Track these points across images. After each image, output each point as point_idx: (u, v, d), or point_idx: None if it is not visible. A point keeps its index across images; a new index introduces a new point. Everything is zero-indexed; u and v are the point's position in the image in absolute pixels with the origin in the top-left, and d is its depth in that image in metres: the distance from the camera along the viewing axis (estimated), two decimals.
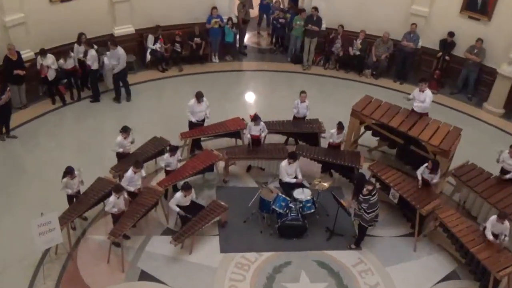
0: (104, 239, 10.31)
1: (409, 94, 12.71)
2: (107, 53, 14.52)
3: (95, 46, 14.41)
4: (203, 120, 12.42)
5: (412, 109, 12.32)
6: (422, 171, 10.99)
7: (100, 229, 10.80)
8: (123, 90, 14.47)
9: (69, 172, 10.21)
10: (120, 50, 13.94)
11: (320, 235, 10.88)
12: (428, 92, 12.37)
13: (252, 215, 11.06)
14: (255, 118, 11.75)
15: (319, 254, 10.50)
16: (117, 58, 14.06)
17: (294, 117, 12.73)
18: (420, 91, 12.33)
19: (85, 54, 13.96)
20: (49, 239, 9.50)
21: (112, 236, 9.84)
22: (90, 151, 12.80)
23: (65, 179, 10.20)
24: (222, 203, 10.79)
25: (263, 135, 11.96)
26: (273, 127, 12.55)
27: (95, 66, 13.96)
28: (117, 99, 14.56)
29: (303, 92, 12.53)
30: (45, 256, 10.09)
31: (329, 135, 11.92)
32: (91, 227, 10.87)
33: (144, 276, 9.98)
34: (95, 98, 14.37)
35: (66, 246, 10.22)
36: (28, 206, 10.98)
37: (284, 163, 10.99)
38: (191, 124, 12.44)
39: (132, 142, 11.38)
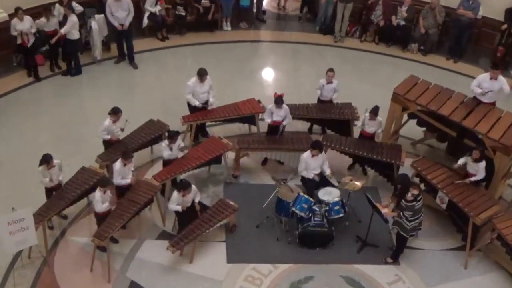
0: (87, 242, 10.36)
1: (477, 83, 12.07)
2: (95, 16, 14.62)
3: (80, 8, 14.48)
4: (205, 103, 12.45)
5: (474, 97, 12.14)
6: (463, 161, 10.97)
7: (82, 229, 10.85)
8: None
9: (46, 160, 10.23)
10: None
11: (350, 246, 10.87)
12: (501, 79, 12.06)
13: (267, 219, 11.08)
14: (279, 100, 11.72)
15: (347, 268, 10.51)
16: (125, 8, 14.17)
17: (319, 100, 12.74)
18: (491, 79, 12.04)
19: (64, 19, 13.95)
20: (22, 239, 9.54)
21: (97, 239, 9.82)
22: (72, 136, 12.88)
23: (40, 168, 10.23)
24: (231, 202, 10.79)
25: (285, 122, 11.99)
26: (296, 111, 12.54)
27: (73, 35, 13.95)
28: (119, 59, 14.84)
29: (330, 70, 12.43)
30: (16, 260, 10.17)
31: (361, 122, 11.88)
32: (72, 227, 10.94)
33: None
34: (77, 70, 14.44)
35: (42, 249, 10.27)
36: None
37: (306, 154, 10.96)
38: (192, 108, 12.45)
39: (122, 129, 11.33)
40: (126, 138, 11.67)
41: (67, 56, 14.49)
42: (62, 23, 13.98)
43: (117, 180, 10.54)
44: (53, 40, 14.03)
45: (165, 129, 12.01)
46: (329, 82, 12.62)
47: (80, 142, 12.61)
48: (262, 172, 12.39)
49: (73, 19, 13.82)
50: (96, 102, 13.87)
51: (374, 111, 11.66)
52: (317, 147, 10.88)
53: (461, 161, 11.11)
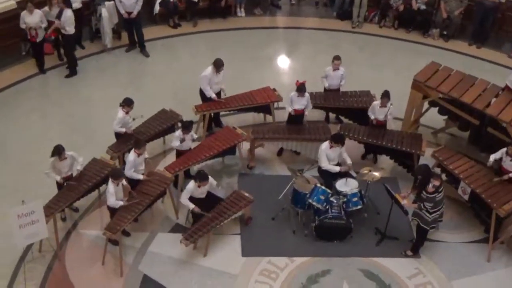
0: (99, 235, 10.43)
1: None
2: (105, 3, 14.66)
3: (78, 5, 14.24)
4: (218, 94, 12.45)
5: (507, 86, 12.01)
6: (496, 156, 10.88)
7: (94, 223, 10.91)
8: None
9: (58, 151, 10.20)
10: None
11: (368, 238, 10.88)
12: None
13: (283, 211, 11.09)
14: (301, 88, 11.69)
15: (366, 261, 10.53)
16: None
17: (325, 90, 12.74)
18: None
19: (59, 13, 13.69)
20: (32, 233, 9.58)
21: (109, 232, 9.89)
22: (82, 126, 12.96)
23: (52, 160, 10.23)
24: (246, 194, 10.81)
25: (307, 111, 11.99)
26: (312, 100, 12.38)
27: (70, 30, 13.81)
28: (130, 47, 14.93)
29: (336, 58, 12.39)
30: (27, 254, 10.18)
31: (371, 110, 11.86)
32: (83, 220, 11.01)
33: (147, 282, 10.07)
34: (71, 71, 14.32)
35: (52, 243, 10.35)
36: (6, 192, 11.15)
37: (325, 145, 10.95)
38: (205, 98, 12.42)
39: (133, 119, 11.35)
40: (137, 129, 11.71)
41: (68, 52, 14.36)
42: (58, 17, 13.78)
43: (129, 172, 10.54)
44: (48, 33, 13.93)
45: (178, 119, 12.05)
46: (336, 69, 12.58)
47: (90, 133, 12.68)
48: (277, 162, 12.39)
49: (67, 13, 13.60)
50: (106, 91, 13.90)
51: (385, 95, 11.59)
52: (338, 140, 10.84)
53: (494, 157, 10.96)
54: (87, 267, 10.21)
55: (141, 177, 10.67)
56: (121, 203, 10.06)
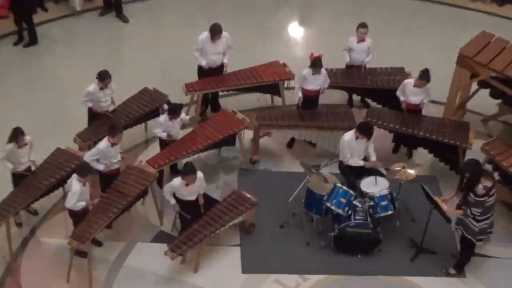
0: (64, 245, 10.37)
1: None
2: None
3: None
4: (219, 68, 12.42)
5: None
6: None
7: (57, 229, 10.90)
8: None
9: (16, 135, 10.19)
10: None
11: (401, 252, 10.85)
12: None
13: (294, 217, 11.07)
14: (317, 63, 11.65)
15: (397, 281, 10.51)
16: None
17: (347, 66, 12.84)
18: None
19: None
20: None
21: (76, 241, 9.82)
22: (48, 109, 12.90)
23: (9, 146, 10.25)
24: (248, 195, 10.78)
25: (323, 89, 12.03)
26: (332, 78, 12.41)
27: None
28: (104, 11, 15.11)
29: (362, 25, 12.42)
30: None
31: (401, 90, 11.86)
32: (44, 226, 11.00)
33: None
34: (32, 39, 14.31)
35: (4, 253, 10.36)
36: None
37: (349, 136, 10.88)
38: (201, 72, 12.42)
39: (113, 102, 11.54)
40: (114, 112, 11.76)
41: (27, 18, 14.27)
42: None
43: (89, 158, 10.41)
44: None
45: (164, 101, 11.98)
46: (361, 40, 12.52)
47: (57, 116, 12.64)
48: (288, 156, 12.42)
49: None
50: (74, 65, 13.85)
51: (425, 75, 11.55)
52: (366, 131, 10.78)
53: None
54: (47, 285, 10.14)
55: (101, 167, 10.49)
56: (82, 203, 9.97)
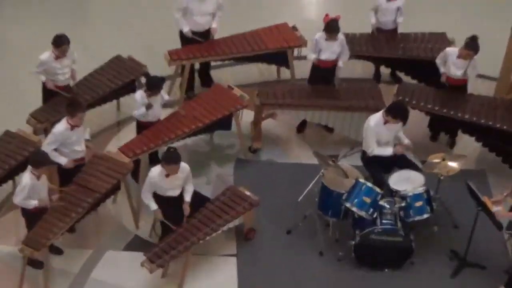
0: (14, 253, 10.35)
1: None
2: None
3: None
4: (204, 34, 12.43)
5: None
6: None
7: (5, 232, 10.94)
8: None
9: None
10: None
11: (439, 266, 10.81)
12: None
13: (305, 220, 11.06)
14: (332, 26, 11.67)
15: None
16: None
17: (375, 30, 12.88)
18: None
19: None
20: None
21: (29, 248, 9.79)
22: None
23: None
24: (247, 192, 10.79)
25: (341, 62, 12.02)
26: (355, 46, 12.39)
27: None
28: None
29: None
30: None
31: (441, 59, 11.90)
32: None
33: None
34: None
35: None
36: None
37: (375, 119, 10.86)
38: (184, 40, 12.43)
39: (73, 77, 11.50)
40: (77, 85, 11.72)
41: None
42: None
43: (48, 147, 10.32)
44: None
45: (141, 72, 11.96)
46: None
47: (5, 91, 12.65)
48: (297, 144, 12.45)
49: None
50: (30, 29, 13.81)
51: (472, 44, 11.54)
52: (399, 114, 10.71)
53: None
54: None
55: (63, 161, 10.47)
56: (34, 202, 9.94)
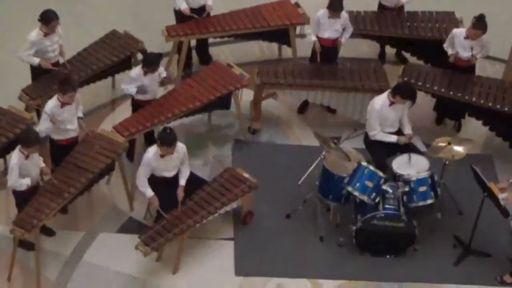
0: (4, 234, 10.39)
1: None
2: None
3: None
4: (198, 10, 12.31)
5: None
6: None
7: None
8: None
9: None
10: None
11: (442, 253, 10.81)
12: None
13: (304, 204, 10.99)
14: (336, 4, 11.61)
15: None
16: None
17: (380, 6, 12.88)
18: None
19: None
20: None
21: (19, 229, 9.71)
22: None
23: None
24: (245, 174, 10.75)
25: (343, 38, 11.95)
26: (358, 24, 12.32)
27: None
28: None
29: None
30: None
31: (449, 42, 11.83)
32: None
33: None
34: None
35: None
36: None
37: (380, 101, 10.81)
38: (179, 16, 12.36)
39: (61, 54, 11.43)
40: (71, 61, 11.64)
41: None
42: None
43: (43, 127, 10.27)
44: None
45: (137, 49, 11.95)
46: None
47: None
48: (298, 125, 12.40)
49: None
50: (20, 3, 13.73)
51: (480, 24, 11.46)
52: (407, 94, 10.67)
53: None
54: None
55: (74, 133, 10.47)
56: (27, 181, 9.86)
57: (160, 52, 11.50)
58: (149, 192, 10.17)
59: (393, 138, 10.87)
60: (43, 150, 10.23)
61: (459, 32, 11.65)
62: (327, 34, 11.80)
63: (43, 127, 10.32)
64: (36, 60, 11.19)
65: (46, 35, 11.09)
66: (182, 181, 10.33)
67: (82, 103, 10.87)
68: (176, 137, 10.05)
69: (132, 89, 10.98)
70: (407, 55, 13.00)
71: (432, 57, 12.49)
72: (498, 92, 11.62)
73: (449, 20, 12.55)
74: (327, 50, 11.91)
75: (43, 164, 10.08)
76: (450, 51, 11.77)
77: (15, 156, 9.77)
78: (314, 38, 11.83)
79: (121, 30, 12.19)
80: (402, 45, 12.90)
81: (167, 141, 9.94)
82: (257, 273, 10.44)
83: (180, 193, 10.28)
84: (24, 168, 9.81)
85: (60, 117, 10.31)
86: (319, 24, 11.77)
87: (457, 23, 12.36)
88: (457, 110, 12.06)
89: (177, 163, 10.31)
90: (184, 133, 11.52)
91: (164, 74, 11.27)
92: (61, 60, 11.49)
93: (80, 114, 10.62)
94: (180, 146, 10.20)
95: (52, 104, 10.28)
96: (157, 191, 10.22)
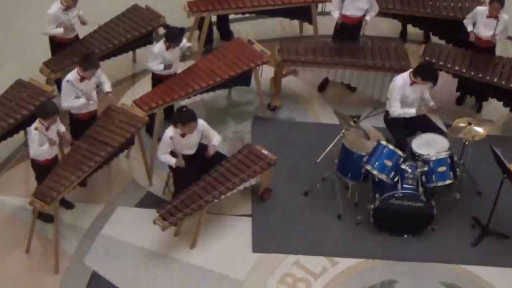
0: (23, 206, 10.45)
1: None
2: None
3: None
4: None
5: None
6: None
7: (14, 185, 10.98)
8: None
9: None
10: None
11: (460, 233, 10.84)
12: None
13: (323, 182, 11.04)
14: None
15: (453, 270, 10.52)
16: None
17: None
18: None
19: None
20: None
21: (39, 201, 9.74)
22: (5, 29, 12.95)
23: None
24: (264, 151, 10.78)
25: (368, 16, 11.89)
26: (382, 2, 12.20)
27: None
28: None
29: None
30: None
31: (470, 19, 11.77)
32: None
33: (98, 284, 10.08)
34: None
35: None
36: None
37: (401, 79, 10.79)
38: None
39: (83, 23, 11.45)
40: (92, 35, 11.72)
41: None
42: None
43: (67, 102, 10.36)
44: None
45: (159, 23, 11.94)
46: None
47: (14, 41, 12.62)
48: (318, 103, 12.40)
49: None
50: None
51: (497, 2, 11.38)
52: (429, 75, 10.63)
53: None
54: (0, 256, 10.17)
55: (93, 107, 10.56)
56: (46, 147, 9.88)
57: (183, 27, 11.43)
58: (172, 160, 10.20)
59: (412, 111, 10.82)
60: (62, 118, 10.26)
61: (482, 11, 11.59)
62: (349, 11, 11.73)
63: (66, 103, 10.38)
64: (58, 31, 11.19)
65: (66, 8, 11.09)
66: (214, 141, 10.43)
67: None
68: (195, 114, 10.11)
69: (159, 67, 11.00)
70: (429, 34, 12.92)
71: (454, 37, 12.43)
72: None
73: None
74: (350, 28, 11.89)
75: (63, 129, 10.12)
76: (470, 28, 11.73)
77: (35, 131, 9.78)
78: (337, 15, 11.77)
79: (142, 5, 12.18)
80: (424, 24, 12.82)
81: (187, 118, 10.00)
82: (274, 250, 10.49)
83: (211, 150, 10.38)
84: (45, 140, 9.83)
85: (85, 90, 10.35)
86: (343, 1, 11.68)
87: (480, 3, 12.27)
88: (478, 91, 12.00)
89: (198, 140, 10.36)
90: (204, 109, 11.54)
91: (187, 44, 11.30)
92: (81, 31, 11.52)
93: (108, 89, 10.71)
94: (199, 123, 10.25)
95: (73, 76, 10.31)
96: (177, 168, 10.28)
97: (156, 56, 11.02)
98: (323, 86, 12.43)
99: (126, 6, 12.16)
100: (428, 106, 10.90)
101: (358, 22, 11.88)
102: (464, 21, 11.79)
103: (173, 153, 10.30)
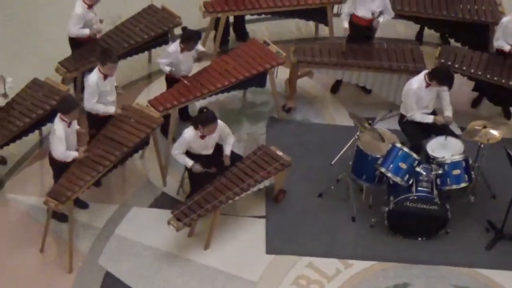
0: (38, 205, 10.45)
1: None
2: None
3: None
4: None
5: None
6: None
7: (30, 184, 10.98)
8: None
9: None
10: None
11: (474, 237, 10.82)
12: None
13: (337, 184, 11.03)
14: None
15: (467, 274, 10.48)
16: None
17: None
18: None
19: None
20: None
21: (54, 201, 9.75)
22: (21, 31, 12.93)
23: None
24: (279, 152, 10.77)
25: (381, 18, 11.80)
26: (397, 4, 12.26)
27: None
28: None
29: None
30: None
31: (500, 31, 11.67)
32: (13, 179, 11.12)
33: (111, 284, 10.10)
34: None
35: None
36: None
37: (417, 83, 10.79)
38: None
39: (100, 21, 11.46)
40: (108, 35, 11.75)
41: None
42: None
43: (90, 103, 10.36)
44: None
45: (175, 24, 11.97)
46: None
47: (34, 38, 12.61)
48: (332, 104, 12.40)
49: None
50: None
51: None
52: (443, 78, 10.63)
53: None
54: (14, 254, 10.21)
55: (112, 110, 10.50)
56: (74, 154, 9.95)
57: (198, 29, 11.46)
58: (189, 162, 10.22)
59: (430, 119, 10.84)
60: (80, 115, 10.26)
61: (507, 21, 11.55)
62: (361, 12, 11.70)
63: (89, 104, 10.38)
64: (85, 32, 11.24)
65: (89, 7, 11.14)
66: (227, 150, 10.44)
67: (119, 77, 10.93)
68: (215, 116, 10.13)
69: (166, 68, 11.04)
70: (447, 36, 12.91)
71: (470, 40, 12.42)
72: None
73: (488, 2, 12.42)
74: (363, 29, 11.87)
75: (77, 126, 10.13)
76: (507, 47, 11.62)
77: (59, 128, 9.77)
78: (346, 25, 11.77)
79: (158, 5, 12.21)
80: (440, 27, 12.79)
81: (208, 119, 10.05)
82: (288, 251, 10.49)
83: (227, 160, 10.43)
84: (67, 138, 9.87)
85: (104, 88, 10.37)
86: (355, 2, 11.69)
87: (496, 6, 12.29)
88: (495, 94, 11.95)
89: (216, 141, 10.40)
90: (219, 110, 11.51)
91: (201, 48, 11.32)
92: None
93: (116, 84, 10.69)
94: (221, 125, 10.31)
95: (94, 77, 10.30)
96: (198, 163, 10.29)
97: (169, 54, 11.05)
98: (335, 88, 12.44)
99: (142, 6, 12.17)
100: (446, 118, 10.91)
101: (371, 23, 11.86)
102: (496, 44, 11.71)
103: (188, 153, 10.32)
